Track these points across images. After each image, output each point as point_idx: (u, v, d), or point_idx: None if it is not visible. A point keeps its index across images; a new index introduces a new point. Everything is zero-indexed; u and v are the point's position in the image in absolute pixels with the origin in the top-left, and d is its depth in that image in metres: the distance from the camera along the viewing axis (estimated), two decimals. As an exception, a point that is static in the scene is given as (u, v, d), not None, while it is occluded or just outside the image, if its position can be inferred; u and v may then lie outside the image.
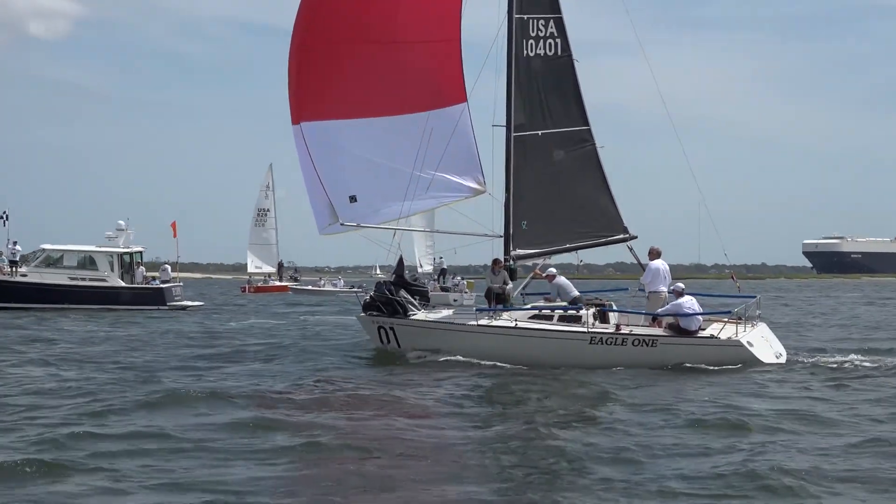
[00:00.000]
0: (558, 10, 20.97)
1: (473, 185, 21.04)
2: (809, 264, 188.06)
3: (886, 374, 17.70)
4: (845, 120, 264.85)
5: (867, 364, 18.98)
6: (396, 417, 13.10)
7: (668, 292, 19.83)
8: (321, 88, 20.19)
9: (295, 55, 20.24)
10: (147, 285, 43.32)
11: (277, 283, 69.46)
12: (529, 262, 22.00)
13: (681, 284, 19.59)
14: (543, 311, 19.83)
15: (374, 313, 20.20)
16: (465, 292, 45.62)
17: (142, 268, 44.01)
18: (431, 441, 11.44)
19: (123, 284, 42.70)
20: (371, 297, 20.39)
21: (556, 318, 19.49)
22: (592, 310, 19.43)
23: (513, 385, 16.55)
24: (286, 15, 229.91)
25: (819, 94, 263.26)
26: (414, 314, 20.17)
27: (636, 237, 21.19)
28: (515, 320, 19.47)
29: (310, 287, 70.70)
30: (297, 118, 20.59)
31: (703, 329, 19.15)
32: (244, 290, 67.40)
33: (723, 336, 18.83)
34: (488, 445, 11.14)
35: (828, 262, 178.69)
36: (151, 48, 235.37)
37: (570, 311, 19.49)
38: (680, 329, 18.93)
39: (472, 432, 12.06)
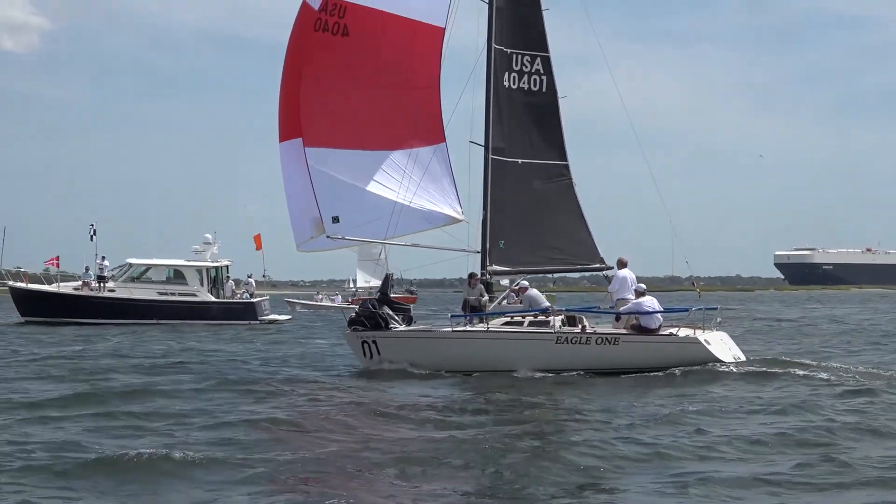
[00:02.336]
0: (546, 50, 22.12)
1: (451, 213, 22.26)
2: (782, 276, 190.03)
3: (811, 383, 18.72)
4: (815, 131, 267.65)
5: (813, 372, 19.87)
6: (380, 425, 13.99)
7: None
8: (314, 118, 21.47)
9: (289, 83, 21.56)
10: (238, 300, 42.46)
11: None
12: (505, 280, 23.24)
13: (642, 285, 20.82)
14: (515, 317, 21.08)
15: (359, 328, 21.31)
16: None
17: (231, 282, 43.28)
18: (420, 451, 12.03)
19: (213, 299, 41.95)
20: (356, 313, 21.57)
21: (526, 323, 20.73)
22: (561, 316, 20.69)
23: (490, 393, 17.53)
24: (256, 27, 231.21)
25: (788, 106, 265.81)
26: (396, 328, 21.32)
27: (612, 268, 22.22)
28: (488, 326, 20.75)
29: (303, 302, 68.86)
30: (286, 136, 21.82)
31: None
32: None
33: (682, 335, 20.04)
34: (466, 451, 11.83)
35: (799, 273, 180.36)
36: (123, 61, 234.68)
37: (539, 318, 20.72)
38: (641, 328, 20.16)
39: (445, 441, 12.66)
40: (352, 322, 21.50)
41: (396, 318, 21.35)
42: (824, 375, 18.97)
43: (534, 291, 21.83)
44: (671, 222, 23.75)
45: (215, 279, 42.65)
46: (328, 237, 22.04)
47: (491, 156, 21.92)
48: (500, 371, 19.80)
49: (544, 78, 22.15)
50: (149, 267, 42.69)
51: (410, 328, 21.49)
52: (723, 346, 20.25)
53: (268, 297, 45.00)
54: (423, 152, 21.85)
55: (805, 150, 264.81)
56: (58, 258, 44.66)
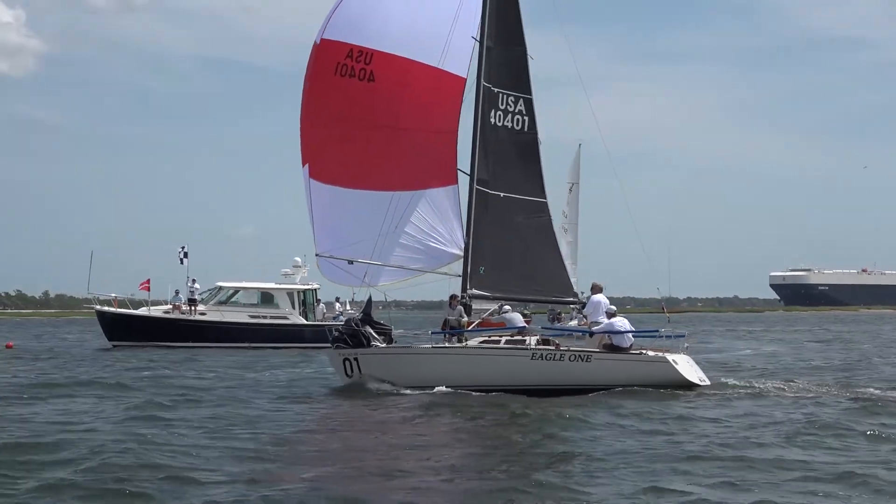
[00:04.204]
0: (529, 92, 23.32)
1: (456, 251, 23.48)
2: (777, 296, 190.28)
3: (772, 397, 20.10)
4: (810, 151, 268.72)
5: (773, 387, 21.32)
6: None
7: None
8: (333, 156, 22.88)
9: (310, 118, 22.89)
10: (329, 322, 40.93)
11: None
12: (484, 304, 24.52)
13: (613, 307, 22.19)
14: (492, 336, 22.31)
15: (341, 345, 22.43)
16: None
17: (322, 305, 42.88)
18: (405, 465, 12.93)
19: (306, 322, 41.56)
20: (338, 331, 22.79)
21: (503, 342, 21.94)
22: (536, 336, 21.93)
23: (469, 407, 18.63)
24: (251, 52, 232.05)
25: (783, 126, 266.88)
26: (377, 346, 22.39)
27: (584, 303, 23.39)
28: (466, 344, 21.95)
29: None
30: (307, 163, 23.12)
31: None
32: None
33: (651, 354, 21.26)
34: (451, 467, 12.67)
35: (795, 294, 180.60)
36: (117, 85, 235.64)
37: (515, 337, 21.92)
38: (613, 347, 21.37)
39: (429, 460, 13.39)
40: (335, 340, 22.71)
41: (378, 338, 22.59)
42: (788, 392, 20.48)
43: (512, 314, 23.18)
44: (642, 245, 25.17)
45: (304, 302, 42.46)
46: (317, 255, 23.38)
47: (476, 186, 23.09)
48: (477, 387, 20.90)
49: (526, 118, 23.36)
50: (237, 290, 42.28)
51: (391, 346, 22.66)
52: (689, 367, 21.41)
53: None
54: (437, 194, 23.17)
55: (801, 170, 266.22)
56: (149, 282, 43.89)
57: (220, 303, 42.24)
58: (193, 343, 39.72)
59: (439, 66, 22.63)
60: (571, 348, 21.35)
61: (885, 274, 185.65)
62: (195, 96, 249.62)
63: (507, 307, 23.88)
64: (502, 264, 23.27)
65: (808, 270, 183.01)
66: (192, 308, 41.97)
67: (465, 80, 22.98)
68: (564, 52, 24.89)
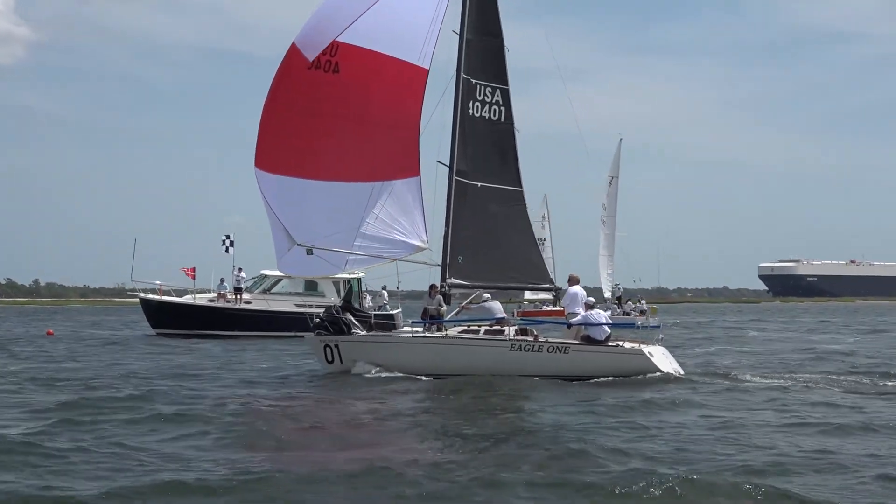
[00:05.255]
0: (505, 83, 23.71)
1: (418, 243, 23.69)
2: (766, 287, 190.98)
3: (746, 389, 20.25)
4: (801, 145, 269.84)
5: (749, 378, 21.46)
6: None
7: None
8: (296, 150, 22.87)
9: (272, 114, 22.81)
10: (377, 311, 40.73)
11: (551, 308, 63.98)
12: (459, 292, 24.89)
13: (591, 299, 22.57)
14: (471, 326, 22.69)
15: (322, 332, 22.84)
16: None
17: (368, 294, 42.17)
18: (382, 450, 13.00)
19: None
20: (319, 318, 23.17)
21: (482, 332, 22.32)
22: (515, 327, 22.33)
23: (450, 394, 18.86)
24: (246, 40, 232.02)
25: (774, 120, 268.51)
26: (357, 333, 22.84)
27: (560, 288, 23.82)
28: (446, 333, 22.34)
29: None
30: (261, 165, 23.04)
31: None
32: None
33: (627, 346, 21.63)
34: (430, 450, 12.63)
35: (783, 285, 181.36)
36: (108, 73, 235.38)
37: (494, 328, 22.33)
38: (590, 339, 21.74)
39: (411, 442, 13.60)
40: (316, 327, 23.10)
41: (358, 324, 22.97)
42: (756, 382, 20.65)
43: (493, 303, 23.54)
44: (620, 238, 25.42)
45: (349, 290, 42.02)
46: (298, 245, 23.57)
47: (455, 177, 23.47)
48: (456, 375, 21.17)
49: (503, 109, 23.75)
50: (280, 278, 41.28)
51: (371, 333, 23.10)
52: (664, 358, 21.80)
53: (400, 309, 44.95)
54: (398, 185, 23.30)
55: (791, 163, 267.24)
56: (194, 269, 43.80)
57: (265, 291, 42.12)
58: (239, 332, 39.55)
59: (403, 58, 22.79)
60: (549, 340, 21.72)
61: (872, 265, 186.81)
62: (191, 84, 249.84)
63: (486, 295, 24.22)
64: (480, 253, 23.63)
65: (797, 261, 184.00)
66: (238, 297, 41.75)
67: (428, 70, 23.06)
68: (559, 44, 25.25)
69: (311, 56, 22.47)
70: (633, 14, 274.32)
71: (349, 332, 22.67)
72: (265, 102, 22.91)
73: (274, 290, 42.03)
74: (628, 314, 49.92)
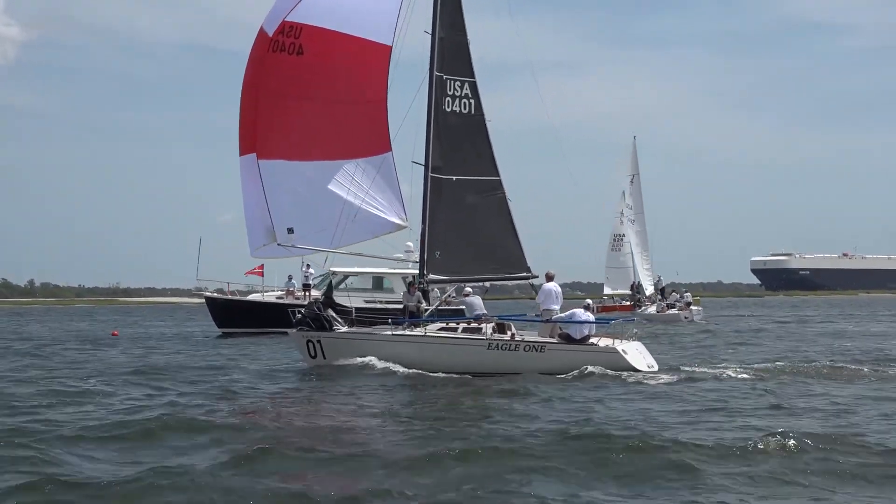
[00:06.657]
0: (472, 75, 24.15)
1: (396, 220, 24.22)
2: (759, 281, 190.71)
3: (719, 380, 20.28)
4: (790, 136, 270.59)
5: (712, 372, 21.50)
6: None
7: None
8: (269, 132, 23.46)
9: (247, 100, 23.56)
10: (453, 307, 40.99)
11: (625, 304, 61.24)
12: (439, 287, 25.30)
13: (589, 301, 23.26)
14: (450, 323, 23.04)
15: (304, 328, 23.21)
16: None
17: (436, 290, 41.90)
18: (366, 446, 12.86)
19: (425, 306, 40.72)
20: (302, 314, 23.57)
21: (460, 329, 22.64)
22: (492, 324, 22.60)
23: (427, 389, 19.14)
24: (232, 37, 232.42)
25: (764, 111, 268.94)
26: (339, 329, 23.27)
27: (536, 276, 24.13)
28: (425, 331, 22.72)
29: None
30: (244, 151, 23.78)
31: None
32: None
33: (602, 344, 21.91)
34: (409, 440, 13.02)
35: (776, 278, 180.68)
36: (98, 70, 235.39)
37: (472, 325, 22.65)
38: (569, 337, 22.00)
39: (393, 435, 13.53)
40: (298, 323, 23.48)
41: (340, 319, 23.38)
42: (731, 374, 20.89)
43: (472, 299, 23.88)
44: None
45: (329, 286, 39.91)
46: (279, 245, 24.06)
47: (430, 174, 23.82)
48: (436, 372, 21.48)
49: (472, 101, 24.15)
50: (347, 275, 40.88)
51: (352, 330, 23.49)
52: (638, 355, 21.92)
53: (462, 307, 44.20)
54: (371, 162, 23.79)
55: (782, 155, 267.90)
56: (262, 267, 42.95)
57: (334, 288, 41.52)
58: None
59: (365, 37, 23.33)
60: (526, 338, 22.01)
61: (865, 258, 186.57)
62: (177, 81, 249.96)
63: (468, 289, 24.56)
64: (457, 247, 23.94)
65: (790, 255, 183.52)
66: (307, 294, 41.13)
67: (391, 47, 23.54)
68: (545, 37, 25.60)
69: (270, 30, 23.08)
70: (618, 6, 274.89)
71: (331, 329, 23.07)
72: (242, 89, 23.61)
73: (341, 286, 40.97)
74: (672, 306, 50.12)
